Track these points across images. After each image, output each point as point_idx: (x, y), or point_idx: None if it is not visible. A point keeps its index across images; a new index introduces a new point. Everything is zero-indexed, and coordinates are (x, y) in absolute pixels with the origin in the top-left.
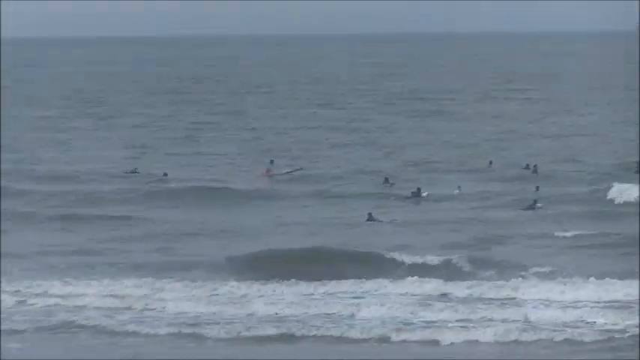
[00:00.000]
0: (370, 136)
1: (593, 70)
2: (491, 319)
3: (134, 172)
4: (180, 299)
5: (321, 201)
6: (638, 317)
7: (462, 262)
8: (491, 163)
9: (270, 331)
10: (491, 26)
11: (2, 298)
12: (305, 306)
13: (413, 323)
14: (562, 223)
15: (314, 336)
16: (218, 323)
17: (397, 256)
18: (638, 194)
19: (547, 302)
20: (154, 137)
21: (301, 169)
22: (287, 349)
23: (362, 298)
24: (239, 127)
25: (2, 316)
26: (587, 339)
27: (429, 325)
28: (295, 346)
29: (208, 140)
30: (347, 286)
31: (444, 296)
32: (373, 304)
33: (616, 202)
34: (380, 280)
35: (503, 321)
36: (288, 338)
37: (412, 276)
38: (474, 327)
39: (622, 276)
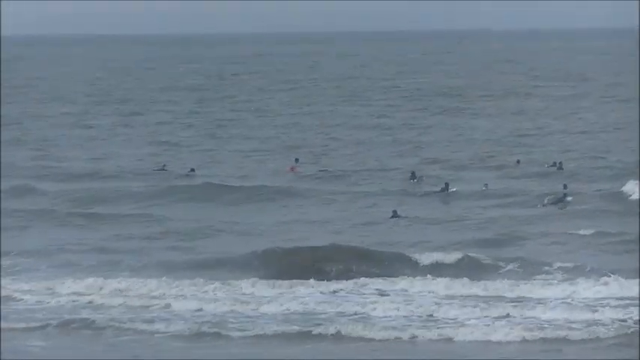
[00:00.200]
0: (394, 132)
1: (614, 67)
2: (511, 317)
3: (162, 169)
4: (201, 298)
5: (346, 198)
6: (638, 317)
7: (483, 259)
8: (519, 161)
9: (289, 329)
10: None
11: (23, 296)
12: (323, 304)
13: (432, 321)
14: (584, 220)
15: (332, 335)
16: (238, 321)
17: (418, 253)
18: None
19: (567, 300)
20: (178, 134)
21: (326, 170)
22: (304, 348)
23: (383, 296)
24: (263, 123)
25: (23, 313)
26: (607, 336)
27: (449, 323)
28: (313, 344)
29: (233, 137)
30: (366, 284)
31: (464, 294)
32: (393, 303)
33: (631, 199)
34: (400, 278)
35: (523, 319)
36: (305, 336)
37: (432, 274)
38: (493, 325)
39: None
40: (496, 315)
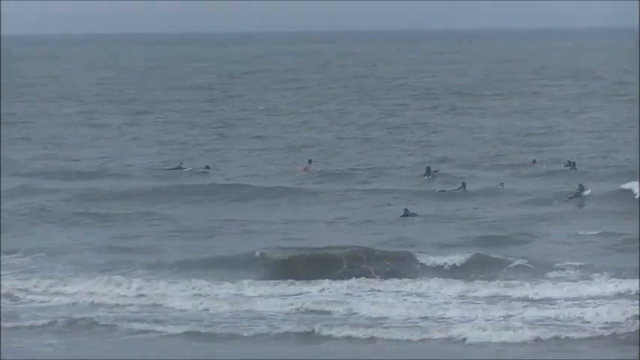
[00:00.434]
0: (404, 131)
1: (621, 65)
2: (519, 318)
3: (178, 167)
4: (208, 297)
5: (357, 197)
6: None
7: (494, 259)
8: (534, 161)
9: (298, 329)
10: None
11: (32, 296)
12: (333, 304)
13: (444, 322)
14: (595, 219)
15: (339, 336)
16: (247, 321)
17: (429, 253)
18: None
19: (580, 299)
20: (187, 133)
21: (337, 169)
22: (314, 348)
23: (395, 296)
24: (272, 122)
25: (33, 312)
26: (620, 333)
27: (461, 323)
28: (322, 345)
29: (243, 136)
30: (377, 284)
31: (476, 294)
32: (404, 303)
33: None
34: (410, 278)
35: (531, 320)
36: (315, 337)
37: (444, 273)
38: (506, 325)
39: None
40: (508, 314)
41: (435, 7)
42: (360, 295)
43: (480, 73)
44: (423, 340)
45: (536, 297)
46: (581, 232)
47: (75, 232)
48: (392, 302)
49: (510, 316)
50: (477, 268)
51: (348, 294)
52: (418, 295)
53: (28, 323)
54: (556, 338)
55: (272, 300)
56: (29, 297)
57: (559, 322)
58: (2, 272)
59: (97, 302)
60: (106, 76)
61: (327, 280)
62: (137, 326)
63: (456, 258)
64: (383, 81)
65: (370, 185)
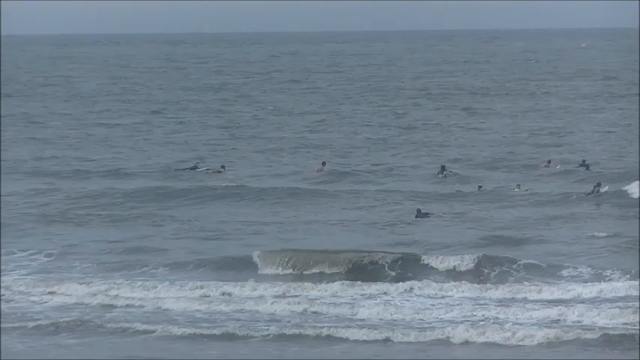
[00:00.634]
0: (417, 132)
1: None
2: (526, 319)
3: (194, 167)
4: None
5: (370, 197)
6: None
7: (502, 260)
8: (549, 162)
9: (307, 331)
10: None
11: (41, 298)
12: (343, 305)
13: (453, 324)
14: (608, 220)
15: (349, 337)
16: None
17: (440, 254)
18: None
19: (592, 301)
20: (202, 134)
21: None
22: (322, 350)
23: (405, 298)
24: (285, 123)
25: (46, 313)
26: (625, 336)
27: (471, 325)
28: (330, 346)
29: (256, 137)
30: (388, 286)
31: (486, 296)
32: (415, 305)
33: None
34: (422, 280)
35: (539, 321)
36: (322, 338)
37: (452, 275)
38: (509, 327)
39: None
40: (510, 317)
41: (435, 7)
42: (372, 297)
43: (496, 73)
44: (433, 341)
45: (548, 298)
46: (592, 233)
47: (87, 233)
48: (403, 304)
49: (516, 317)
50: (489, 268)
51: (356, 295)
52: (429, 296)
53: (30, 324)
54: (567, 339)
55: (278, 300)
56: (34, 298)
57: (570, 323)
58: (15, 272)
59: (104, 303)
60: (119, 75)
61: (337, 281)
62: (142, 327)
63: (468, 258)
64: (397, 81)
65: (383, 185)
